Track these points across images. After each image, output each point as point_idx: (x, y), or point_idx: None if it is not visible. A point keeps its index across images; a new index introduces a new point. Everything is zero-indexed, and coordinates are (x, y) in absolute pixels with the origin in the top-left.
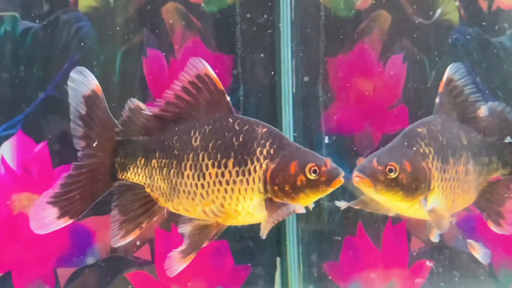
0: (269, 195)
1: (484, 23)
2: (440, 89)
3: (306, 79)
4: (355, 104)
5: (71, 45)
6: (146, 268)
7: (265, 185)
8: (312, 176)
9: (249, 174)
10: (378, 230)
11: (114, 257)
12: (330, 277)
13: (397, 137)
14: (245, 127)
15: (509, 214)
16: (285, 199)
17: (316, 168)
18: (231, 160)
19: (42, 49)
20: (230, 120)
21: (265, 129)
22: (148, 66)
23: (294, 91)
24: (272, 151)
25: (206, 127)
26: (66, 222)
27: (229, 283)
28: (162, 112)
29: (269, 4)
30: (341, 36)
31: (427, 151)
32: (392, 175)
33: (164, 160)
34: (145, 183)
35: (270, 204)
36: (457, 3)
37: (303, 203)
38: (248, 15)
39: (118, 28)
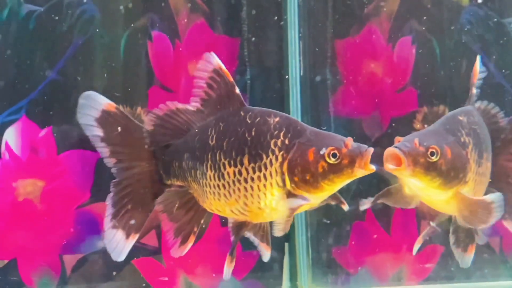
0: (289, 188)
1: (494, 4)
2: (474, 79)
3: (318, 78)
4: (364, 87)
5: (75, 28)
6: (153, 255)
7: (283, 178)
8: (332, 161)
9: (265, 168)
10: (387, 215)
11: None
12: (339, 263)
13: (436, 122)
14: (257, 120)
15: None
16: (309, 190)
17: (335, 151)
18: (246, 156)
19: (46, 32)
20: (242, 113)
21: (277, 119)
22: (153, 49)
23: (301, 74)
24: (287, 141)
25: (220, 124)
26: (134, 238)
27: (236, 269)
28: (200, 107)
29: None
30: (349, 18)
31: (467, 140)
32: (434, 159)
33: (190, 162)
34: (184, 185)
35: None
36: None
37: (330, 190)
38: None
39: (122, 11)
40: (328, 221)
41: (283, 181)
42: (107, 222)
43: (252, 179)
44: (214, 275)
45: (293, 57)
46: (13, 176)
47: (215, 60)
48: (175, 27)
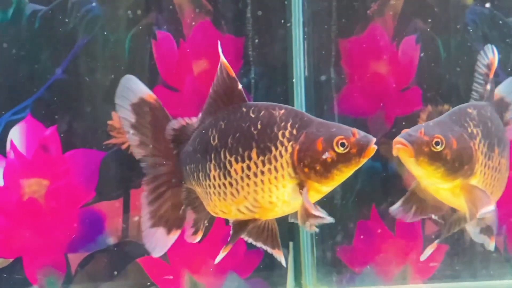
0: (301, 179)
1: (498, 3)
2: (491, 75)
3: (323, 78)
4: (368, 86)
5: (80, 28)
6: None
7: (294, 168)
8: (341, 150)
9: (276, 160)
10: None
11: (126, 242)
12: (343, 262)
13: (444, 114)
14: (261, 113)
15: None
16: (319, 180)
17: (344, 140)
18: (254, 150)
19: (51, 32)
20: (244, 109)
21: (282, 111)
22: (157, 49)
23: (306, 73)
24: (294, 131)
25: (221, 122)
26: (176, 234)
27: (241, 268)
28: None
29: None
30: (354, 18)
31: (475, 132)
32: (438, 148)
33: (192, 165)
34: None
35: (302, 189)
36: None
37: (340, 179)
38: None
39: (127, 11)
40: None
41: (295, 171)
42: (146, 221)
43: (262, 172)
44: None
45: (298, 57)
46: (18, 175)
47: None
48: (180, 26)
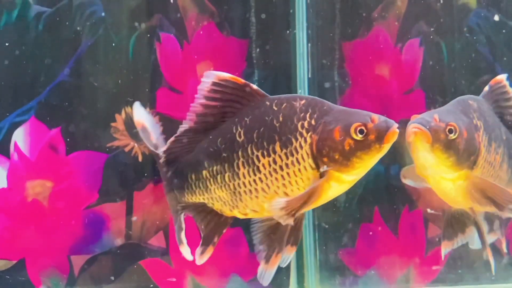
0: (322, 170)
1: (502, 6)
2: (492, 82)
3: (326, 80)
4: (372, 89)
5: (84, 30)
6: (160, 256)
7: (314, 159)
8: (359, 137)
9: (297, 152)
10: (395, 216)
11: (129, 244)
12: (346, 265)
13: (448, 104)
14: (283, 105)
15: None
16: (340, 169)
17: (362, 127)
18: (277, 143)
19: (55, 34)
20: (267, 103)
21: (303, 101)
22: (161, 51)
23: (309, 76)
24: (313, 122)
25: (246, 118)
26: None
27: (244, 270)
28: (195, 124)
29: None
30: (357, 20)
31: (478, 124)
32: (452, 136)
33: (215, 167)
34: (203, 199)
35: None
36: None
37: (363, 167)
38: (263, 0)
39: (131, 13)
40: (336, 223)
41: (316, 163)
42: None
43: (287, 165)
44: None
45: (301, 59)
46: (22, 176)
47: (212, 75)
48: (184, 29)
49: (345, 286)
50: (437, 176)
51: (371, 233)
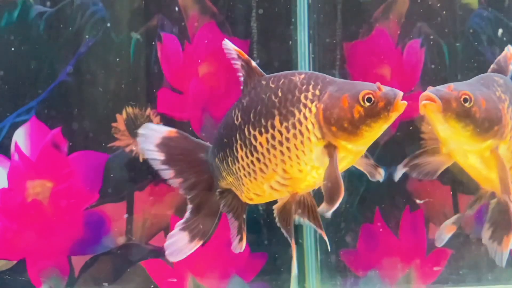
0: (329, 140)
1: (503, 7)
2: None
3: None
4: None
5: (85, 30)
6: (161, 256)
7: (321, 129)
8: (368, 105)
9: (300, 124)
10: (395, 217)
11: (129, 245)
12: (347, 265)
13: (471, 79)
14: (281, 81)
15: None
16: (349, 138)
17: (370, 95)
18: (277, 118)
19: (56, 34)
20: (263, 82)
21: (302, 75)
22: (162, 51)
23: None
24: (317, 92)
25: (243, 101)
26: (198, 244)
27: (244, 271)
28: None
29: None
30: (359, 21)
31: (503, 97)
32: (466, 105)
33: (220, 154)
34: (227, 184)
35: (330, 152)
36: None
37: (370, 137)
38: (265, 1)
39: (132, 13)
40: (337, 224)
41: (322, 132)
42: (178, 225)
43: (287, 139)
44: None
45: (303, 59)
46: (23, 176)
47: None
48: (185, 29)
49: (346, 287)
50: (462, 149)
51: (372, 233)
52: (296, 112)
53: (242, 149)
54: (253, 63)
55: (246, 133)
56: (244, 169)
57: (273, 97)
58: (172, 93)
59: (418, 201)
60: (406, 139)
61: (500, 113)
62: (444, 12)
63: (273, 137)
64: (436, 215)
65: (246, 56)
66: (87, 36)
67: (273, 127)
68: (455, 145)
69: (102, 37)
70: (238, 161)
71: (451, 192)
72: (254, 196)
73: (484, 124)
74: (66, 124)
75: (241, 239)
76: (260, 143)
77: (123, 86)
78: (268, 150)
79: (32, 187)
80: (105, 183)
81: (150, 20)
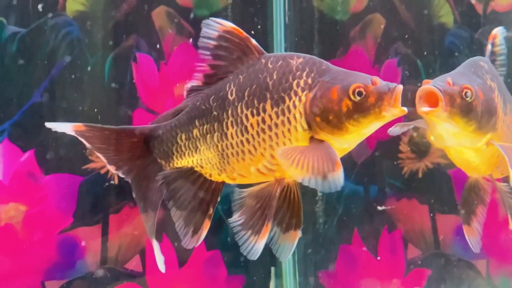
0: (315, 131)
1: (479, 26)
2: (490, 38)
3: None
4: None
5: (59, 50)
6: (137, 280)
7: (307, 119)
8: (357, 99)
9: (289, 112)
10: (374, 237)
11: (105, 269)
12: (326, 287)
13: (460, 65)
14: (279, 63)
15: None
16: (333, 131)
17: (361, 89)
18: (268, 102)
19: (29, 54)
20: (263, 60)
21: (300, 59)
22: (138, 72)
23: None
24: (310, 81)
25: (240, 76)
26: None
27: None
28: (204, 84)
29: (262, 7)
30: (335, 40)
31: (492, 85)
32: (469, 99)
33: (205, 126)
34: (193, 162)
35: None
36: (451, 6)
37: (357, 132)
38: (241, 19)
39: (107, 33)
40: (315, 245)
41: (307, 123)
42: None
43: (276, 125)
44: None
45: None
46: None
47: (217, 25)
48: (161, 49)
49: None
50: (459, 147)
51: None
52: (287, 98)
53: (233, 127)
54: (253, 41)
55: (239, 110)
56: (233, 147)
57: (268, 79)
58: (148, 113)
59: (379, 208)
60: (384, 159)
61: (495, 103)
62: (420, 32)
63: (263, 121)
64: (415, 236)
65: (245, 33)
66: (61, 57)
67: (264, 111)
68: (454, 142)
69: (76, 57)
70: (227, 138)
71: (429, 212)
72: (238, 176)
73: (484, 117)
74: (40, 146)
75: (195, 231)
76: (251, 124)
77: (97, 107)
78: (258, 133)
79: (5, 211)
80: (80, 206)
81: (125, 40)
